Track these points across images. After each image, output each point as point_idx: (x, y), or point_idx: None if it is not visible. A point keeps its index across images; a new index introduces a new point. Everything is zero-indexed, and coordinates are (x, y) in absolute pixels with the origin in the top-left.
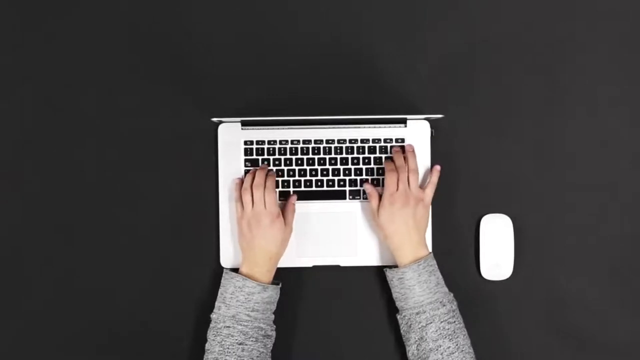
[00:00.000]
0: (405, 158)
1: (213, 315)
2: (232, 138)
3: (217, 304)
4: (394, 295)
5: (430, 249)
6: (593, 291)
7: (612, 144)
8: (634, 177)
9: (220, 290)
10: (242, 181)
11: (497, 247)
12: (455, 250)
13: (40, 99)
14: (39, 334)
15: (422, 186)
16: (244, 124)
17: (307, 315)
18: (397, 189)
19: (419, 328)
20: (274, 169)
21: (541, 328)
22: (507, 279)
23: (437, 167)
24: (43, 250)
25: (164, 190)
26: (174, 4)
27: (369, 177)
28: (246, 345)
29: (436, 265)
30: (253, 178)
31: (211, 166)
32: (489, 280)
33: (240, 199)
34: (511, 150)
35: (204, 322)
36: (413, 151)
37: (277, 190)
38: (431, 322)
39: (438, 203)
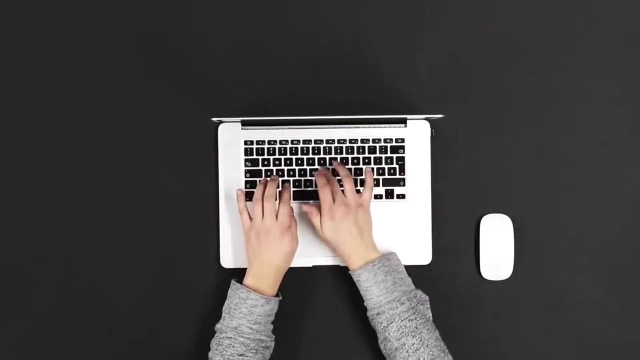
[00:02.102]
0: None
1: (217, 325)
2: (232, 138)
3: (223, 313)
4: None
5: (389, 250)
6: (593, 291)
7: (612, 144)
8: (634, 177)
9: (226, 300)
10: (244, 192)
11: (497, 247)
12: (455, 250)
13: (40, 99)
14: (39, 334)
15: (359, 191)
16: (244, 124)
17: (307, 315)
18: (334, 201)
19: (382, 328)
20: (290, 179)
21: (541, 328)
22: (507, 279)
23: (368, 169)
24: (43, 250)
25: (164, 190)
26: (174, 4)
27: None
28: (246, 356)
29: (395, 265)
30: (264, 189)
31: (211, 166)
32: (489, 280)
33: (246, 209)
34: (511, 150)
35: (203, 322)
36: (340, 163)
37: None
38: (392, 322)
39: (438, 203)
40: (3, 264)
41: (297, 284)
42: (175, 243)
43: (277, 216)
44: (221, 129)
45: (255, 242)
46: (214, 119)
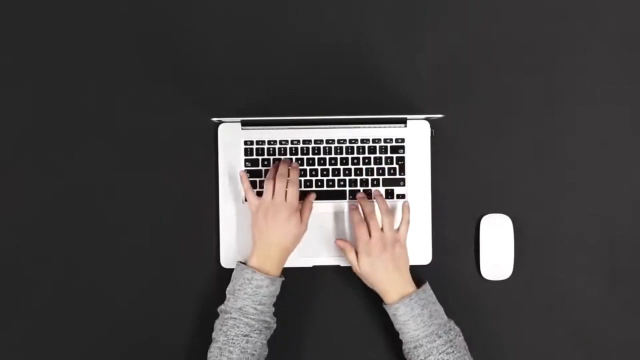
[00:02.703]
0: (372, 202)
1: (221, 307)
2: (232, 138)
3: (227, 294)
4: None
5: (422, 285)
6: (593, 291)
7: (612, 144)
8: (634, 177)
9: (230, 282)
10: (247, 172)
11: (497, 247)
12: (455, 250)
13: (40, 99)
14: (39, 334)
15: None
16: (244, 124)
17: (307, 315)
18: (370, 237)
19: None
20: (298, 162)
21: (541, 328)
22: (507, 279)
23: (407, 204)
24: (43, 250)
25: (164, 190)
26: (174, 4)
27: (368, 177)
28: (251, 337)
29: (430, 298)
30: (276, 170)
31: (211, 166)
32: (489, 280)
33: (251, 189)
34: (511, 150)
35: (203, 321)
36: (381, 195)
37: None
38: (429, 355)
39: (438, 203)
40: (3, 264)
41: (297, 284)
42: (175, 243)
43: (286, 197)
44: (221, 129)
45: (263, 221)
46: (214, 119)
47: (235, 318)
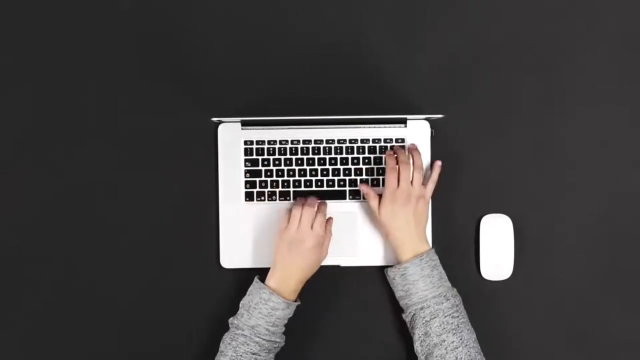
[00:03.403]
0: (409, 155)
1: (234, 321)
2: (232, 138)
3: (240, 309)
4: (397, 294)
5: (430, 245)
6: (593, 291)
7: (612, 144)
8: (634, 177)
9: (246, 297)
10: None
11: (497, 247)
12: (455, 250)
13: (40, 99)
14: (39, 334)
15: (423, 182)
16: (244, 124)
17: (307, 315)
18: (399, 186)
19: (423, 323)
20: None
21: (541, 328)
22: (507, 279)
23: (438, 163)
24: (43, 250)
25: (164, 190)
26: (174, 4)
27: (368, 177)
28: (260, 356)
29: (438, 261)
30: (303, 202)
31: (211, 166)
32: (489, 280)
33: (288, 213)
34: (511, 150)
35: (203, 322)
36: (417, 149)
37: (277, 190)
38: (435, 317)
39: (438, 203)
40: (3, 264)
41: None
42: (175, 243)
43: (312, 226)
44: (221, 129)
45: (287, 248)
46: (214, 119)
47: (246, 336)
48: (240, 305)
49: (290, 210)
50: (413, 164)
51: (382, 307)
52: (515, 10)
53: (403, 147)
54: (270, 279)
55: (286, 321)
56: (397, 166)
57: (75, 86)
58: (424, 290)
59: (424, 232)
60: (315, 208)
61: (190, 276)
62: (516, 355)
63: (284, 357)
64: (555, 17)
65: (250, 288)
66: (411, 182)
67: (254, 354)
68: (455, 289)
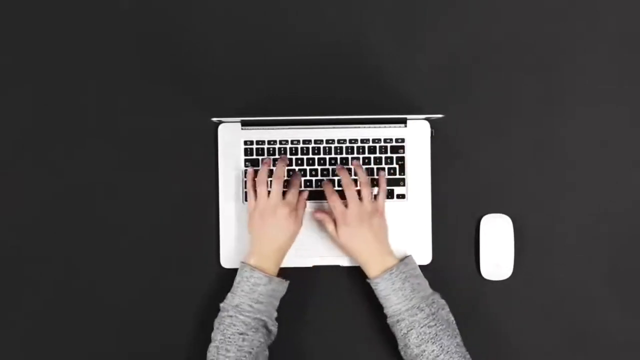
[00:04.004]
0: (350, 172)
1: (221, 304)
2: (232, 138)
3: (228, 293)
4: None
5: (403, 254)
6: (593, 291)
7: (612, 144)
8: (634, 177)
9: (234, 281)
10: (254, 171)
11: (497, 247)
12: (455, 250)
13: (40, 99)
14: (39, 334)
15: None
16: (244, 124)
17: (307, 315)
18: (348, 207)
19: (402, 335)
20: (296, 168)
21: (541, 328)
22: (507, 279)
23: (382, 172)
24: (43, 250)
25: (164, 190)
26: (174, 4)
27: (325, 177)
28: (247, 335)
29: (412, 271)
30: (268, 170)
31: (211, 166)
32: (489, 280)
33: (253, 189)
34: (511, 150)
35: (203, 322)
36: (360, 165)
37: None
38: (411, 329)
39: (438, 203)
40: (3, 264)
41: (297, 285)
42: (175, 243)
43: (284, 196)
44: (221, 129)
45: (259, 221)
46: (214, 119)
47: (231, 316)
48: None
49: (253, 187)
50: (358, 180)
51: (381, 308)
52: (515, 10)
53: (342, 168)
54: (250, 257)
55: (274, 300)
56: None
57: (75, 86)
58: (397, 303)
59: (387, 246)
60: (283, 178)
61: (190, 276)
62: (516, 355)
63: (284, 357)
64: (555, 17)
65: (238, 271)
66: (360, 199)
67: (241, 334)
68: (435, 295)
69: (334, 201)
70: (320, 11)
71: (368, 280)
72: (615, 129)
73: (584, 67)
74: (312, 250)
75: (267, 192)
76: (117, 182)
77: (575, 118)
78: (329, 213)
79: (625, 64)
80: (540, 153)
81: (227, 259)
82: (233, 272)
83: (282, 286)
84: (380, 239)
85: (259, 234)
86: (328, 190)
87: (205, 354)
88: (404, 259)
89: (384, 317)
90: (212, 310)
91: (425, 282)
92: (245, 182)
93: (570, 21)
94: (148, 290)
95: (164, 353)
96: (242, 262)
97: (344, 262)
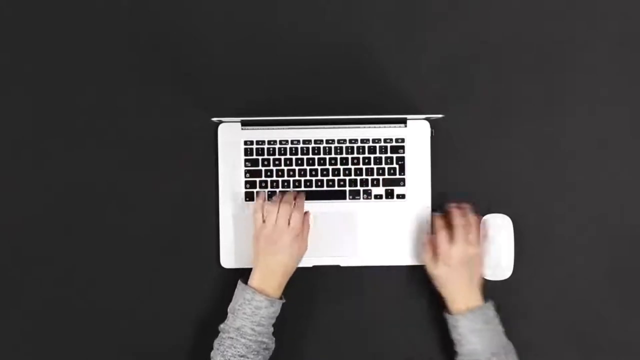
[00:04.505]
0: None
1: (221, 325)
2: (232, 138)
3: (228, 313)
4: (451, 336)
5: (487, 301)
6: (593, 291)
7: (612, 144)
8: (634, 177)
9: (232, 300)
10: (265, 193)
11: (497, 247)
12: None
13: (40, 99)
14: (39, 334)
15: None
16: (244, 124)
17: (307, 315)
18: (453, 246)
19: None
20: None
21: (541, 328)
22: (507, 279)
23: (487, 222)
24: (43, 250)
25: (164, 190)
26: (174, 5)
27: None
28: (248, 357)
29: (493, 316)
30: (280, 199)
31: (211, 166)
32: (489, 280)
33: (261, 210)
34: (511, 150)
35: (203, 322)
36: (472, 210)
37: (278, 190)
38: None
39: (438, 202)
40: (3, 264)
41: (297, 285)
42: (175, 243)
43: (289, 221)
44: (221, 129)
45: (265, 244)
46: (214, 119)
47: (232, 338)
48: (228, 310)
49: (261, 207)
50: (472, 223)
51: (381, 308)
52: (515, 10)
53: (457, 207)
54: (253, 279)
55: (273, 320)
56: (451, 223)
57: (75, 86)
58: (475, 344)
59: (478, 288)
60: (292, 204)
61: (190, 276)
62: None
63: (284, 357)
64: (555, 17)
65: (235, 291)
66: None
67: (241, 356)
68: (510, 345)
69: (441, 239)
70: (320, 11)
71: (447, 315)
72: (615, 129)
73: (584, 67)
74: (312, 250)
75: (276, 214)
76: (117, 182)
77: (575, 118)
78: (433, 241)
79: (625, 64)
80: (540, 153)
81: (227, 259)
82: (233, 272)
83: (280, 306)
84: (474, 280)
85: (265, 256)
86: (438, 222)
87: (205, 354)
88: (487, 303)
89: (384, 317)
90: (212, 311)
91: (501, 329)
92: (246, 182)
93: (570, 21)
94: (148, 290)
95: (163, 353)
96: (242, 283)
97: (344, 262)
